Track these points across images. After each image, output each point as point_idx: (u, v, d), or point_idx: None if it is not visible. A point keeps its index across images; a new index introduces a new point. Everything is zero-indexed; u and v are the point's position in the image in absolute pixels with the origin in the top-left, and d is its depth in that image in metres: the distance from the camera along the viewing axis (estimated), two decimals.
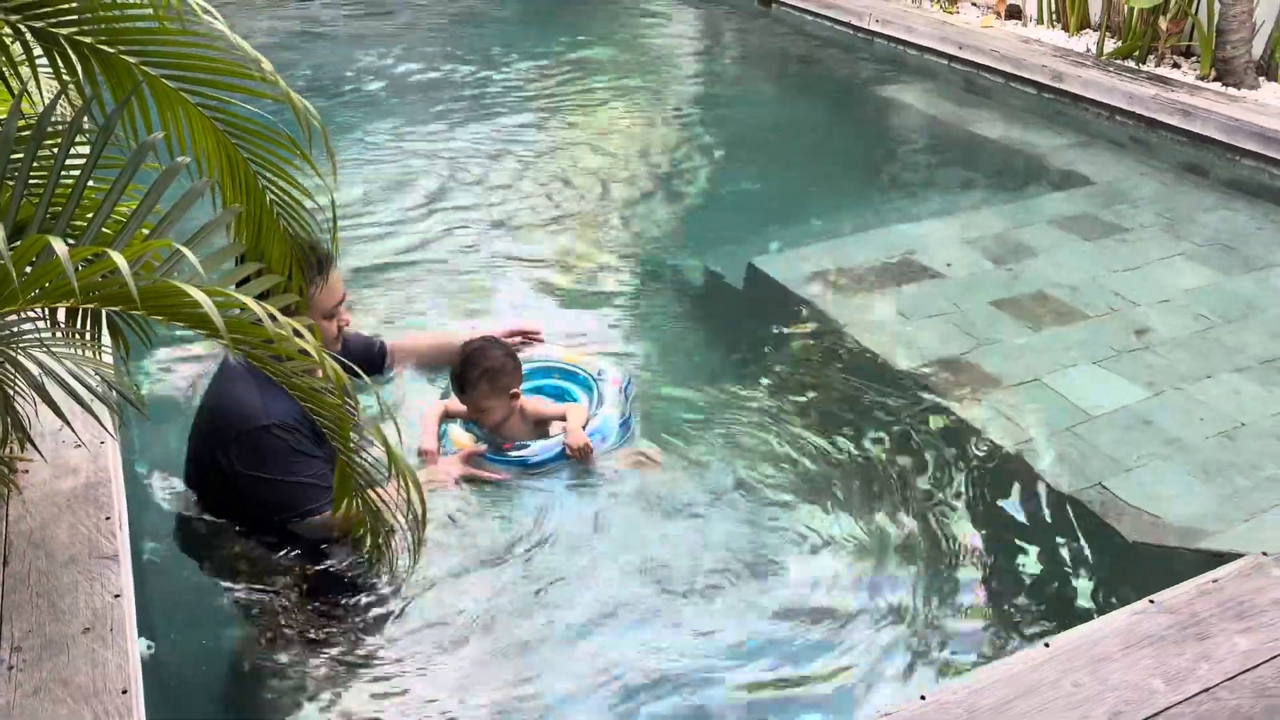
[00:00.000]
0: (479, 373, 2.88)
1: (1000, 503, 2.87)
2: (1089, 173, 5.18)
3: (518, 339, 3.31)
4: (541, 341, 3.35)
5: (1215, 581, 2.30)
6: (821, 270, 4.17)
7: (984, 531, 2.75)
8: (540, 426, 3.01)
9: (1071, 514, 2.82)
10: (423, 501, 1.96)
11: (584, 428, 2.91)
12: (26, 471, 2.47)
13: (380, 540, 2.23)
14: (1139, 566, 2.66)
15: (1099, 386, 3.39)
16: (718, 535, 2.70)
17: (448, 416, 3.02)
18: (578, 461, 2.87)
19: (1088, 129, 5.77)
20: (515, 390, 2.94)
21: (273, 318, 1.49)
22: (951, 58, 6.73)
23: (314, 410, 1.86)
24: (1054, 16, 6.90)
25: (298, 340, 1.57)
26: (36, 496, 2.41)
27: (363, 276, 4.00)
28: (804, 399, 3.30)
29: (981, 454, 3.05)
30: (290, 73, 1.80)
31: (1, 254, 1.29)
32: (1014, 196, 5.01)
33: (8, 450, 2.34)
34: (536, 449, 2.89)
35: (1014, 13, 7.11)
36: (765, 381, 3.40)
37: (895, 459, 3.01)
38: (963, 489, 2.91)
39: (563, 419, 2.97)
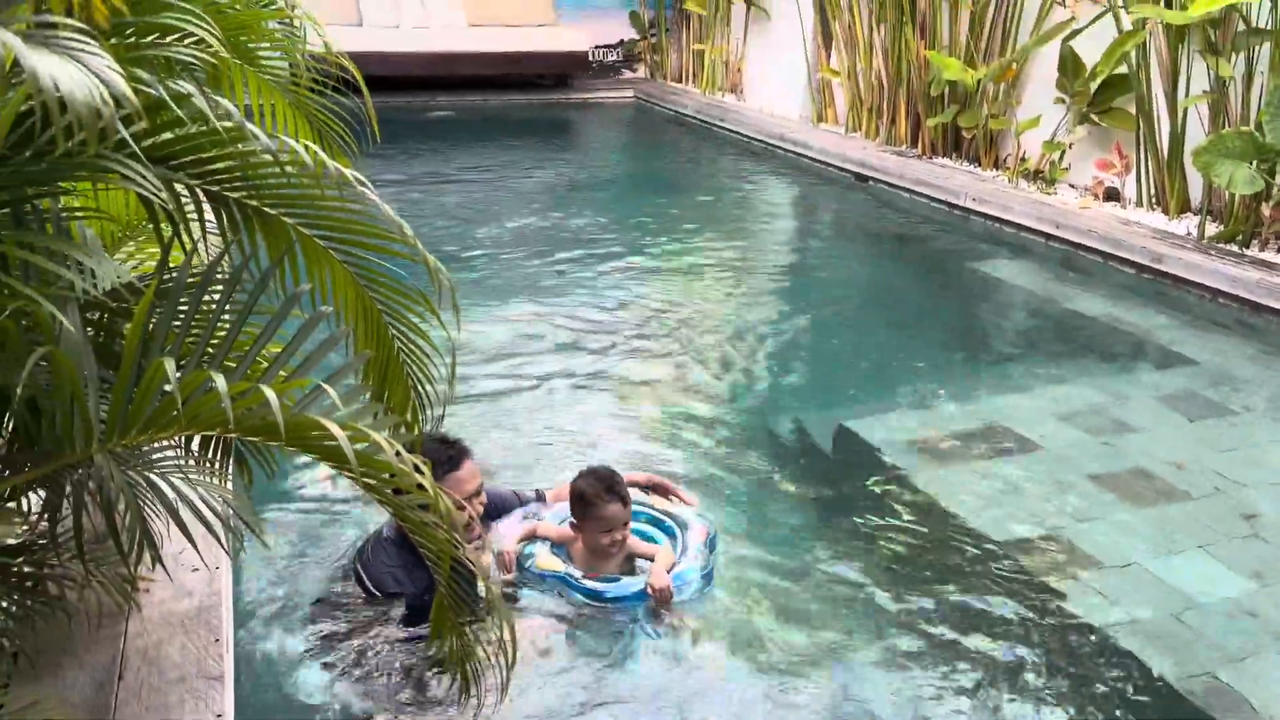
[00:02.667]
0: (621, 479, 3.04)
1: (1100, 688, 2.77)
2: (1191, 353, 5.14)
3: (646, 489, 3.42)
4: (672, 497, 3.42)
5: None
6: (913, 436, 4.19)
7: (1083, 718, 2.66)
8: (627, 563, 3.09)
9: (1173, 703, 2.71)
10: (513, 639, 2.03)
11: (668, 572, 2.97)
12: (148, 590, 2.62)
13: (470, 672, 2.28)
14: None
15: (1204, 572, 3.28)
16: (796, 699, 2.67)
17: (535, 537, 3.12)
18: (654, 604, 2.93)
19: (1190, 310, 5.75)
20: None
21: (397, 453, 1.63)
22: (1049, 236, 6.84)
23: (421, 544, 1.97)
24: (1153, 199, 6.99)
25: (416, 475, 1.70)
26: (154, 615, 2.55)
27: (472, 411, 4.18)
28: (892, 568, 3.27)
29: (1075, 637, 2.97)
30: (417, 230, 2.01)
31: (171, 383, 1.46)
32: (1112, 372, 4.98)
33: (136, 570, 2.50)
34: (618, 585, 2.97)
35: (1112, 195, 7.23)
36: (852, 546, 3.39)
37: (987, 637, 2.95)
38: (1060, 673, 2.82)
39: (650, 559, 3.05)
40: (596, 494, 2.98)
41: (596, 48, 13.77)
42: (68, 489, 2.17)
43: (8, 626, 2.28)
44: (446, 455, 2.89)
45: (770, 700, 2.67)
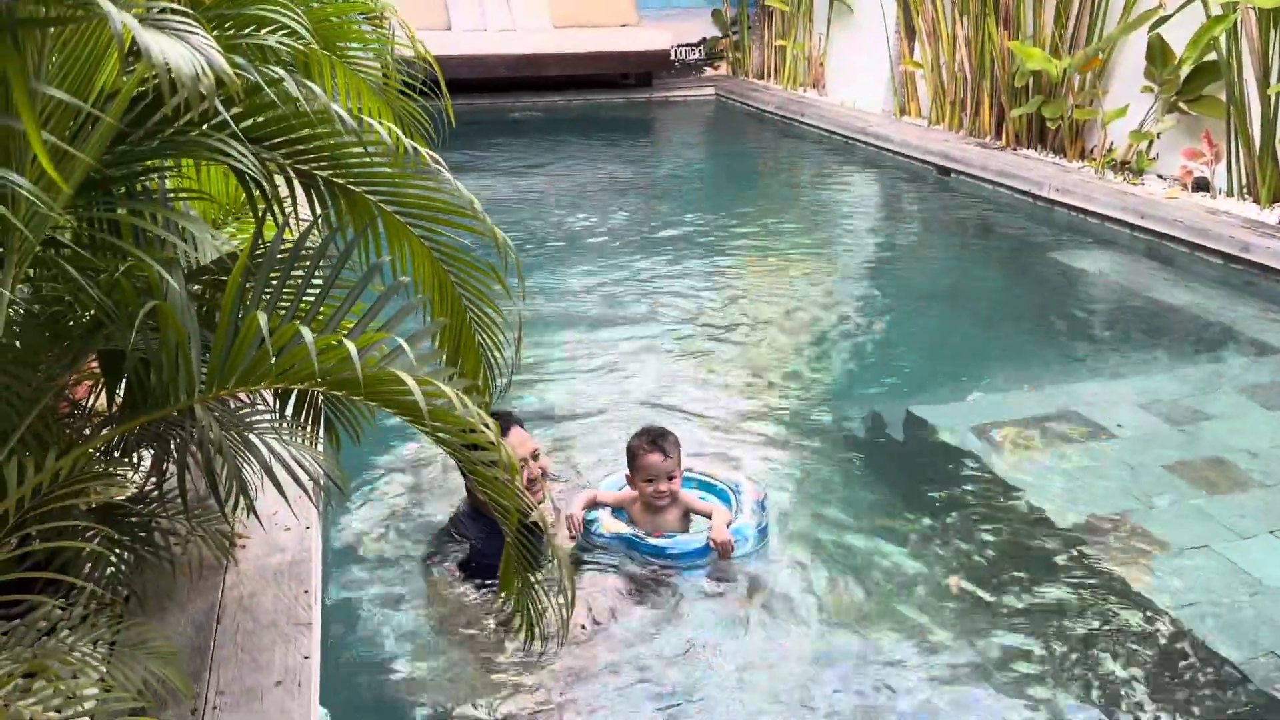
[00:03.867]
0: (674, 439, 3.20)
1: (1162, 669, 2.78)
2: (1277, 343, 5.02)
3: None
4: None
5: None
6: (987, 422, 4.20)
7: (1147, 699, 2.67)
8: (685, 521, 3.24)
9: (1239, 683, 2.70)
10: (573, 590, 2.16)
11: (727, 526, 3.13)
12: (244, 546, 2.83)
13: (535, 618, 2.42)
14: None
15: (1275, 557, 3.25)
16: (852, 667, 2.75)
17: (596, 504, 3.29)
18: (717, 559, 3.07)
19: (1277, 300, 5.60)
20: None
21: (465, 406, 1.77)
22: (1134, 227, 6.71)
23: (489, 497, 2.12)
24: (1244, 189, 6.80)
25: (485, 431, 1.84)
26: (249, 569, 2.76)
27: (546, 387, 4.35)
28: (961, 549, 3.31)
29: (1145, 618, 2.97)
30: (496, 219, 2.16)
31: (264, 335, 1.63)
32: (1195, 361, 4.90)
33: (234, 525, 2.71)
34: (678, 541, 3.12)
35: (1201, 185, 7.05)
36: (921, 527, 3.44)
37: (1055, 618, 2.97)
38: (1131, 654, 2.83)
39: (708, 515, 3.20)
40: (639, 444, 3.17)
41: (679, 46, 13.89)
42: (174, 446, 2.39)
43: (121, 571, 2.51)
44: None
45: (825, 664, 2.75)
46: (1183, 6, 6.80)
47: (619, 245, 6.79)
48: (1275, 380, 4.58)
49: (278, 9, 1.95)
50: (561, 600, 2.17)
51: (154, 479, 2.52)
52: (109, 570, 2.43)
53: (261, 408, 2.44)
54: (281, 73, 1.86)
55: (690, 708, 2.59)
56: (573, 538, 3.14)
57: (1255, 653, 2.81)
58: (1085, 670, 2.76)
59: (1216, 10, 6.50)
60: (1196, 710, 2.62)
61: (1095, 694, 2.68)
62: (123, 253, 1.85)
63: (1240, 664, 2.77)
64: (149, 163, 2.02)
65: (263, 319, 1.65)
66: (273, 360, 1.74)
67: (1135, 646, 2.85)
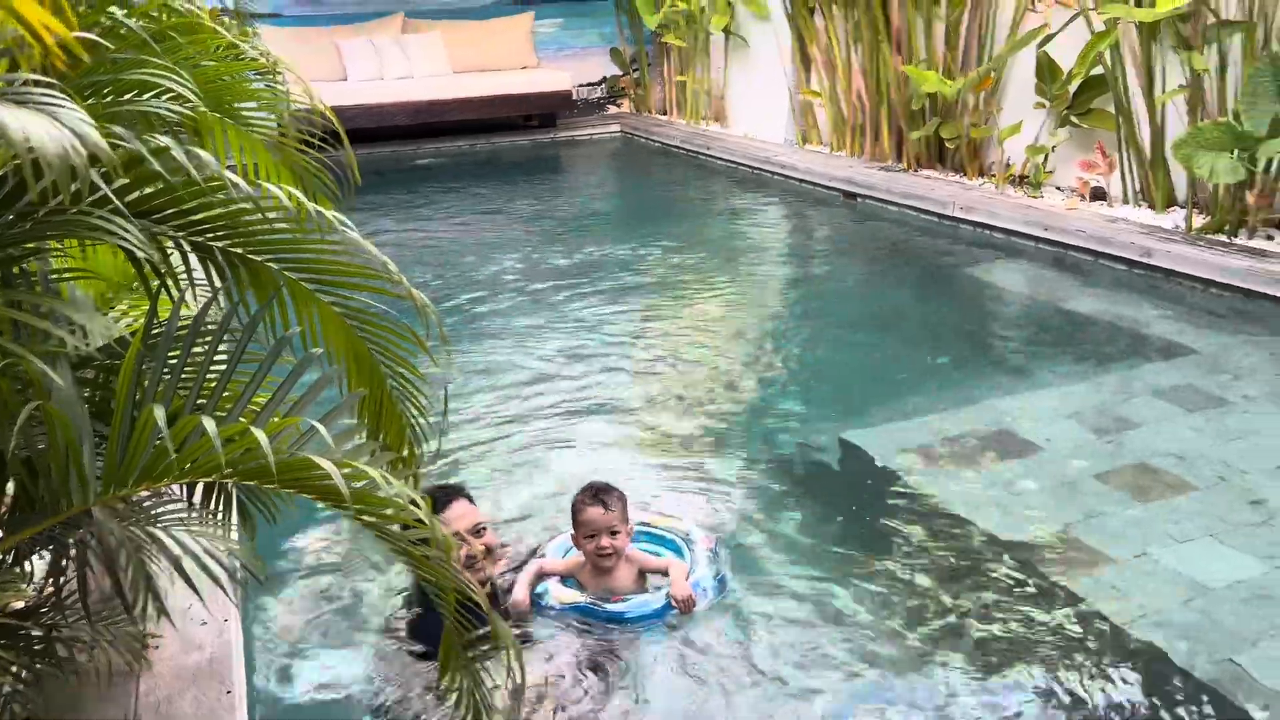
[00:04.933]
0: (618, 493, 3.07)
1: (1120, 680, 2.75)
2: (1187, 344, 5.15)
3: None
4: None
5: None
6: (917, 444, 4.19)
7: (1102, 709, 2.64)
8: (640, 580, 3.11)
9: (1192, 689, 2.69)
10: (522, 671, 2.03)
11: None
12: (157, 647, 2.62)
13: (480, 703, 2.27)
14: None
15: (1215, 559, 3.27)
16: (817, 707, 2.66)
17: (544, 575, 3.12)
18: (679, 615, 2.96)
19: (1183, 302, 5.77)
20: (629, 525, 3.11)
21: (389, 484, 1.64)
22: (1038, 239, 6.87)
23: (422, 578, 1.98)
24: (1139, 196, 7.03)
25: (413, 509, 1.71)
26: (164, 671, 2.55)
27: (469, 449, 4.19)
28: (902, 575, 3.26)
29: (1092, 630, 2.96)
30: (409, 274, 2.03)
31: (162, 431, 1.47)
32: (1111, 369, 4.99)
33: (144, 627, 2.50)
34: (635, 604, 2.98)
35: (1098, 194, 7.27)
36: (861, 555, 3.39)
37: (1003, 636, 2.94)
38: (1080, 668, 2.80)
39: (663, 572, 3.08)
40: (579, 499, 3.06)
41: (580, 86, 13.91)
42: (71, 548, 2.19)
43: (18, 691, 2.28)
44: (435, 496, 2.93)
45: (794, 711, 2.65)
46: (1066, 24, 7.03)
47: (537, 289, 6.68)
48: (1188, 382, 4.68)
49: (162, 73, 1.81)
50: (511, 681, 2.03)
51: (51, 585, 2.31)
52: (3, 691, 2.21)
53: (167, 497, 2.26)
54: (168, 140, 1.72)
55: None
56: (516, 626, 2.96)
57: (1205, 657, 2.80)
58: (1038, 685, 2.72)
59: (1099, 26, 6.74)
60: (1149, 717, 2.60)
61: (1050, 708, 2.63)
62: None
63: (1191, 669, 2.77)
64: (25, 245, 1.85)
65: (159, 413, 1.50)
66: (173, 455, 1.58)
67: (1085, 660, 2.83)
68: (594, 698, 2.70)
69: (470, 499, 3.15)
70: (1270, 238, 6.06)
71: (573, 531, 3.12)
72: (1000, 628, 2.98)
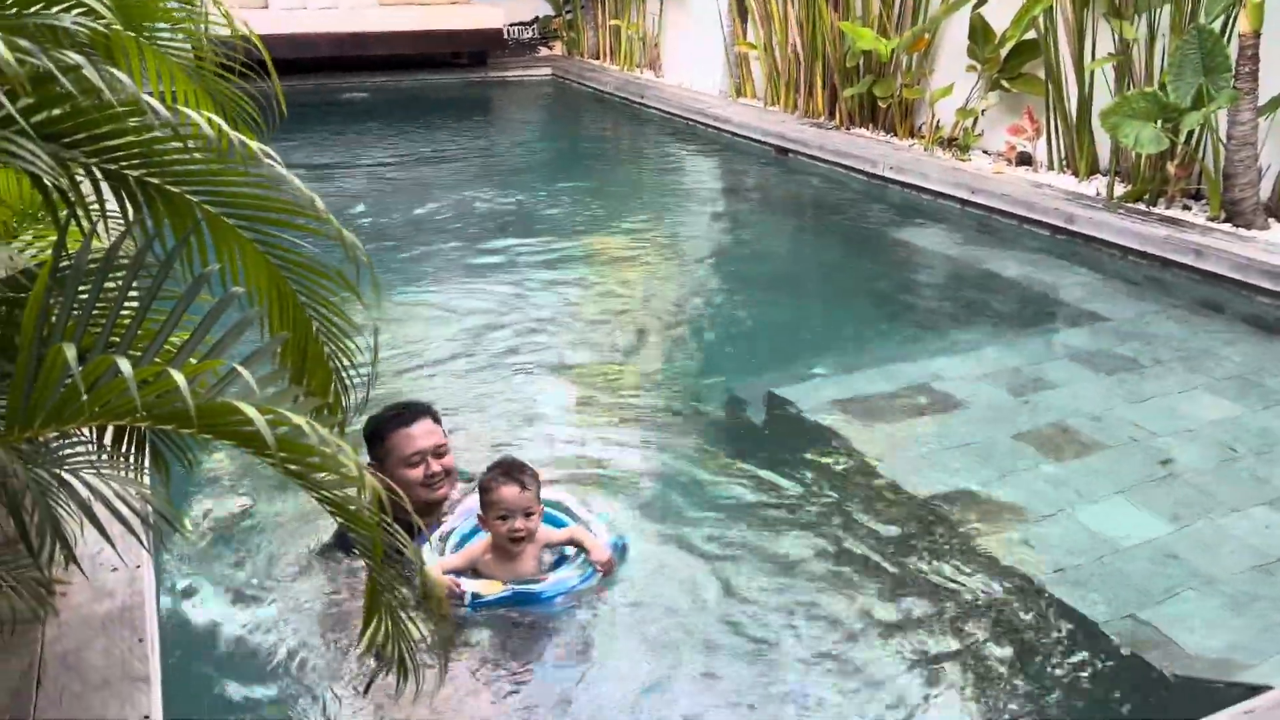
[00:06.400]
0: (531, 471, 2.89)
1: (1028, 635, 2.84)
2: (1104, 310, 5.28)
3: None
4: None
5: (1249, 714, 2.26)
6: (840, 399, 4.23)
7: (1015, 663, 2.72)
8: (539, 560, 2.97)
9: (1102, 645, 2.79)
10: (451, 621, 1.99)
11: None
12: (64, 594, 2.51)
13: (405, 657, 2.23)
14: (1173, 698, 2.61)
15: (1125, 518, 3.38)
16: (727, 664, 2.69)
17: (453, 572, 2.87)
18: (603, 579, 2.90)
19: (1102, 268, 5.91)
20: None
21: (314, 432, 1.57)
22: (965, 202, 6.96)
23: (348, 528, 1.92)
24: (1064, 162, 7.16)
25: (340, 457, 1.64)
26: (73, 618, 2.45)
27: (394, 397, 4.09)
28: (821, 529, 3.30)
29: (1008, 585, 3.04)
30: (336, 214, 1.95)
31: (72, 371, 1.39)
32: (1030, 333, 5.10)
33: (50, 572, 2.39)
34: (556, 582, 2.87)
35: (1024, 159, 7.38)
36: (782, 508, 3.42)
37: (916, 592, 3.00)
38: (989, 621, 2.88)
39: (571, 543, 2.98)
40: (491, 478, 2.83)
41: (511, 25, 13.61)
42: None
43: None
44: (399, 411, 2.95)
45: (715, 674, 2.67)
46: None
47: (465, 233, 6.55)
48: (1103, 347, 4.81)
49: None
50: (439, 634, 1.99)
51: None
52: None
53: (75, 439, 2.15)
54: (79, 58, 1.60)
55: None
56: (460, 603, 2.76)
57: (1115, 614, 2.91)
58: (952, 640, 2.79)
59: None
60: (1061, 672, 2.68)
61: (964, 662, 2.70)
62: None
63: (1101, 624, 2.86)
64: None
65: (70, 351, 1.40)
66: (84, 397, 1.49)
67: (999, 614, 2.91)
68: (548, 679, 2.62)
69: (436, 418, 3.06)
70: (1187, 208, 6.23)
71: (479, 512, 2.91)
72: (915, 580, 3.04)
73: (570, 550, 3.00)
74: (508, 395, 4.30)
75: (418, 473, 2.95)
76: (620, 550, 3.03)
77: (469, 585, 2.79)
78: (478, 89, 12.20)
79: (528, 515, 2.84)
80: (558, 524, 3.06)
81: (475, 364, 4.61)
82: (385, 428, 3.00)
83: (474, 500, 2.97)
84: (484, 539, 2.92)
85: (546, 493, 3.05)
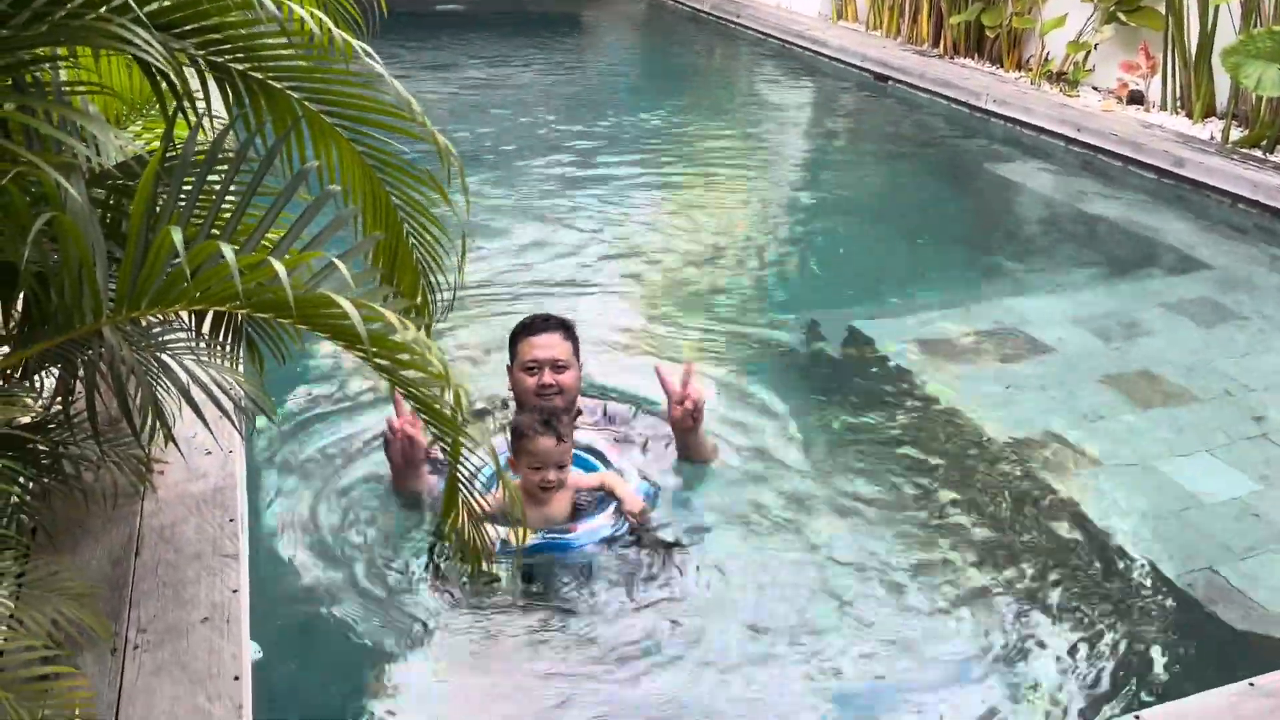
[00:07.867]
0: (568, 419, 2.81)
1: (1103, 583, 2.80)
2: (1207, 258, 5.07)
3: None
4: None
5: None
6: (924, 338, 4.17)
7: (1084, 607, 2.70)
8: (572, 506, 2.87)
9: (1175, 596, 2.75)
10: (523, 511, 2.05)
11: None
12: (162, 473, 2.65)
13: (479, 546, 2.29)
14: (1244, 652, 2.57)
15: (1210, 473, 3.29)
16: (807, 599, 2.72)
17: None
18: (640, 526, 2.81)
19: (1209, 215, 5.66)
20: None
21: (405, 329, 1.62)
22: (1069, 140, 6.69)
23: (429, 421, 1.98)
24: (1178, 103, 6.82)
25: (428, 355, 1.69)
26: (169, 496, 2.59)
27: (466, 316, 4.13)
28: (897, 467, 3.28)
29: (1082, 532, 3.00)
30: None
31: (179, 254, 1.44)
32: (1128, 277, 4.93)
33: (150, 451, 2.52)
34: (584, 530, 2.77)
35: (1136, 98, 7.05)
36: (857, 444, 3.41)
37: (993, 534, 2.98)
38: (1062, 566, 2.85)
39: (600, 488, 2.88)
40: (529, 425, 2.70)
41: None
42: (80, 368, 2.19)
43: (25, 502, 2.32)
44: (534, 320, 3.10)
45: (776, 613, 2.67)
46: None
47: (557, 150, 6.54)
48: (1204, 295, 4.63)
49: None
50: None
51: (59, 402, 2.32)
52: (12, 500, 2.25)
53: (176, 325, 2.24)
54: None
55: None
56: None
57: (1189, 568, 2.85)
58: (1023, 585, 2.77)
59: None
60: (1130, 625, 2.65)
61: (1033, 609, 2.69)
62: (12, 155, 1.62)
63: (1175, 579, 2.82)
64: (38, 51, 1.78)
65: (177, 235, 1.46)
66: (189, 281, 1.56)
67: (1072, 562, 2.88)
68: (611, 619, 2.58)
69: (569, 334, 3.08)
70: None
71: (509, 455, 2.78)
72: (986, 525, 3.02)
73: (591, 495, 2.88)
74: (586, 316, 4.31)
75: (532, 380, 3.02)
76: (651, 498, 2.94)
77: (498, 532, 2.59)
78: (572, 5, 12.05)
79: (560, 466, 2.74)
80: (589, 468, 2.97)
81: (555, 282, 4.65)
82: (518, 333, 3.12)
83: (502, 441, 2.88)
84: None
85: (579, 435, 2.98)
